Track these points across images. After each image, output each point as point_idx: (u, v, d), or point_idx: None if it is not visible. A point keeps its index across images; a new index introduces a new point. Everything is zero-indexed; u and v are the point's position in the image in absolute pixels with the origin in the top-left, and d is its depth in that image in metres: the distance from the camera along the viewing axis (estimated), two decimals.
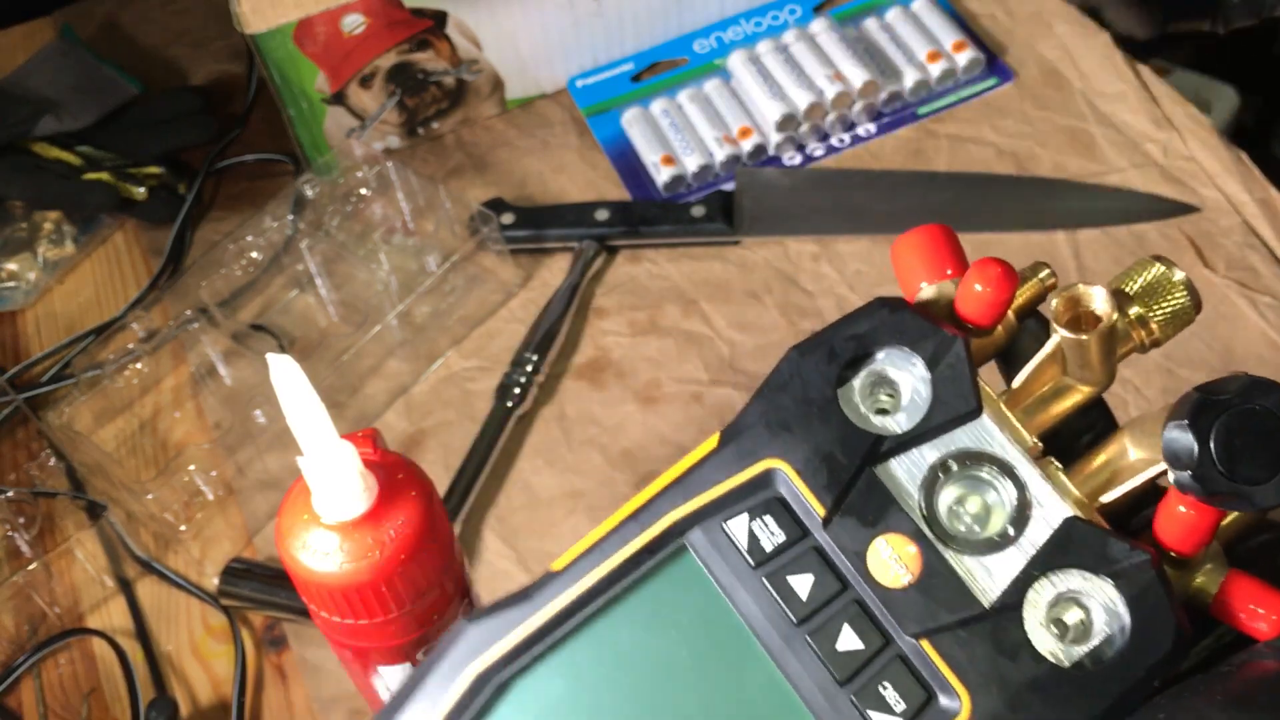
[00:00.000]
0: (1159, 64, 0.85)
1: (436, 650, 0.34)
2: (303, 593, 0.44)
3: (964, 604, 0.32)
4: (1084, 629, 0.31)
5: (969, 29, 0.82)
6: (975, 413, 0.33)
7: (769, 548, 0.34)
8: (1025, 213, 0.73)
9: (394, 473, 0.43)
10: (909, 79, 0.79)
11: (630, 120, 0.80)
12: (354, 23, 0.75)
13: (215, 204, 0.81)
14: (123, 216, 0.80)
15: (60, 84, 0.83)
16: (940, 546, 0.32)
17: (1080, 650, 0.31)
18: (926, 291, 0.36)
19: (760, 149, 0.78)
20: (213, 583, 0.62)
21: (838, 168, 0.78)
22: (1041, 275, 0.38)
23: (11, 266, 0.78)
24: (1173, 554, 0.33)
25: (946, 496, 0.33)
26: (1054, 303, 0.34)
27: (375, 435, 0.44)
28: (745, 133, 0.78)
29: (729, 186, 0.76)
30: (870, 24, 0.83)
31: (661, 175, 0.77)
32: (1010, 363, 0.38)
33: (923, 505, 0.33)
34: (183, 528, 0.65)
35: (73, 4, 0.94)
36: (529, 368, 0.68)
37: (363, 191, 0.75)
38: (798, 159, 0.78)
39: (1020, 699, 0.31)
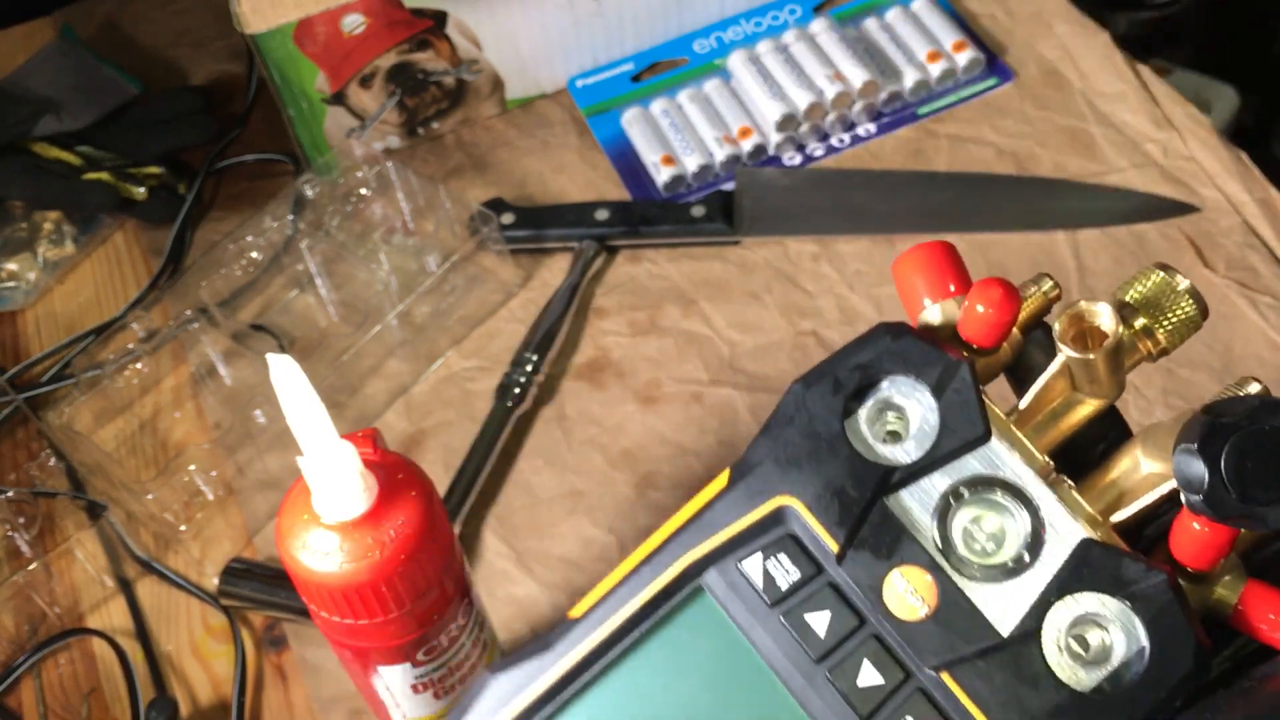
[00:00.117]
0: (1159, 64, 0.85)
1: (461, 704, 0.34)
2: (303, 593, 0.44)
3: (982, 634, 0.32)
4: (1103, 652, 0.31)
5: (969, 29, 0.82)
6: (984, 438, 0.33)
7: (784, 586, 0.34)
8: (1025, 213, 0.73)
9: (394, 473, 0.43)
10: (909, 79, 0.79)
11: (630, 120, 0.80)
12: (354, 23, 0.75)
13: (215, 204, 0.81)
14: (123, 216, 0.80)
15: (60, 84, 0.83)
16: (955, 576, 0.32)
17: (1100, 674, 0.31)
18: (930, 312, 0.36)
19: (760, 149, 0.78)
20: (213, 583, 0.62)
21: (838, 168, 0.78)
22: (1045, 288, 0.37)
23: (11, 266, 0.78)
24: (1189, 569, 0.33)
25: (960, 524, 0.33)
26: (1056, 325, 0.34)
27: (375, 435, 0.44)
28: (745, 133, 0.78)
29: (729, 186, 0.76)
30: (870, 24, 0.83)
31: (661, 175, 0.77)
32: (1019, 375, 0.38)
33: (936, 535, 0.33)
34: (183, 528, 0.65)
35: (73, 4, 0.94)
36: (529, 368, 0.68)
37: (363, 191, 0.75)
38: (798, 159, 0.78)
39: None
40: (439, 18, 0.77)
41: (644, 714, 0.34)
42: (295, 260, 0.73)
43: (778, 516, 0.34)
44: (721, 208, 0.74)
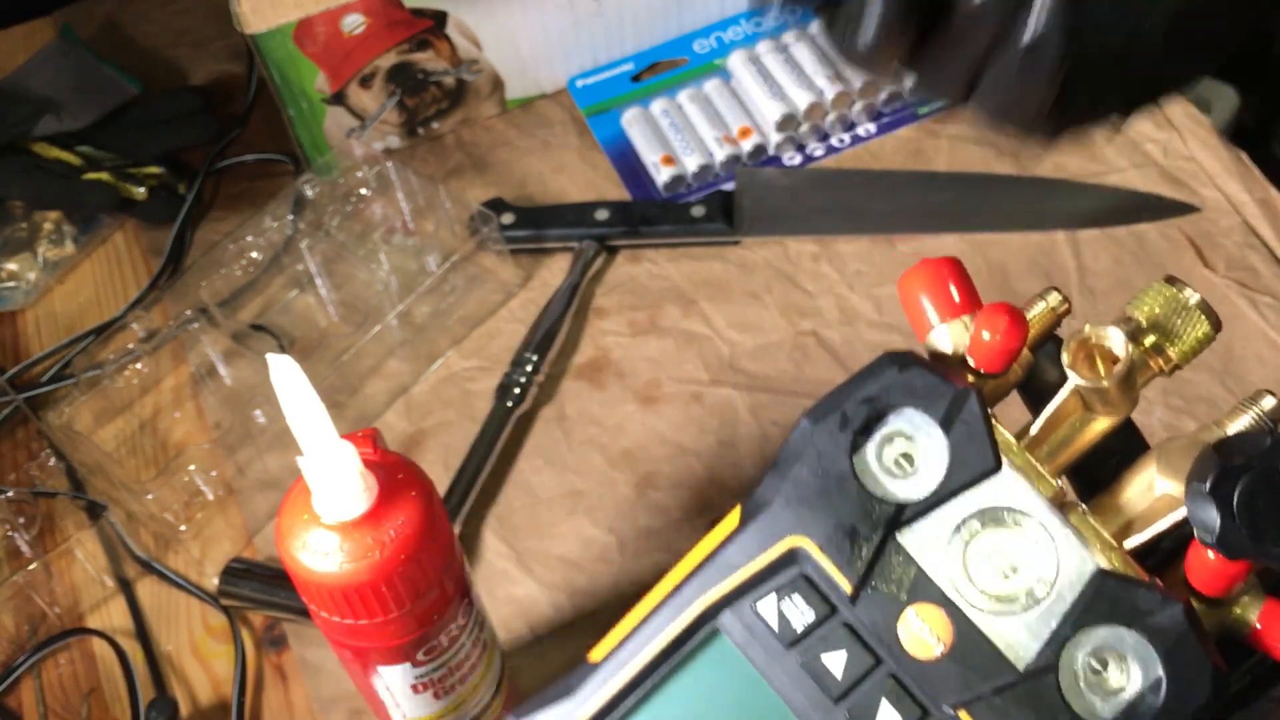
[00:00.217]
0: None
1: None
2: (303, 593, 0.44)
3: (999, 670, 0.32)
4: (1120, 684, 0.31)
5: None
6: (995, 469, 0.33)
7: (800, 628, 0.34)
8: (1025, 213, 0.73)
9: (394, 473, 0.43)
10: (909, 79, 0.79)
11: (630, 120, 0.80)
12: (354, 23, 0.75)
13: (215, 204, 0.81)
14: (123, 216, 0.80)
15: (60, 84, 0.83)
16: (970, 610, 0.32)
17: (1117, 707, 0.31)
18: (938, 335, 0.36)
19: (760, 149, 0.78)
20: (213, 583, 0.62)
21: (838, 168, 0.78)
22: (1053, 303, 0.37)
23: (11, 266, 0.78)
24: (1205, 595, 0.33)
25: (973, 558, 0.33)
26: (1065, 355, 0.34)
27: (375, 435, 0.44)
28: (745, 133, 0.78)
29: (729, 186, 0.76)
30: None
31: (661, 175, 0.77)
32: (1031, 391, 0.37)
33: (949, 570, 0.33)
34: (183, 528, 0.65)
35: (73, 4, 0.94)
36: (529, 368, 0.68)
37: (363, 191, 0.75)
38: (798, 159, 0.78)
39: None
40: (439, 18, 0.77)
41: None
42: (295, 260, 0.73)
43: (790, 557, 0.34)
44: (721, 208, 0.74)
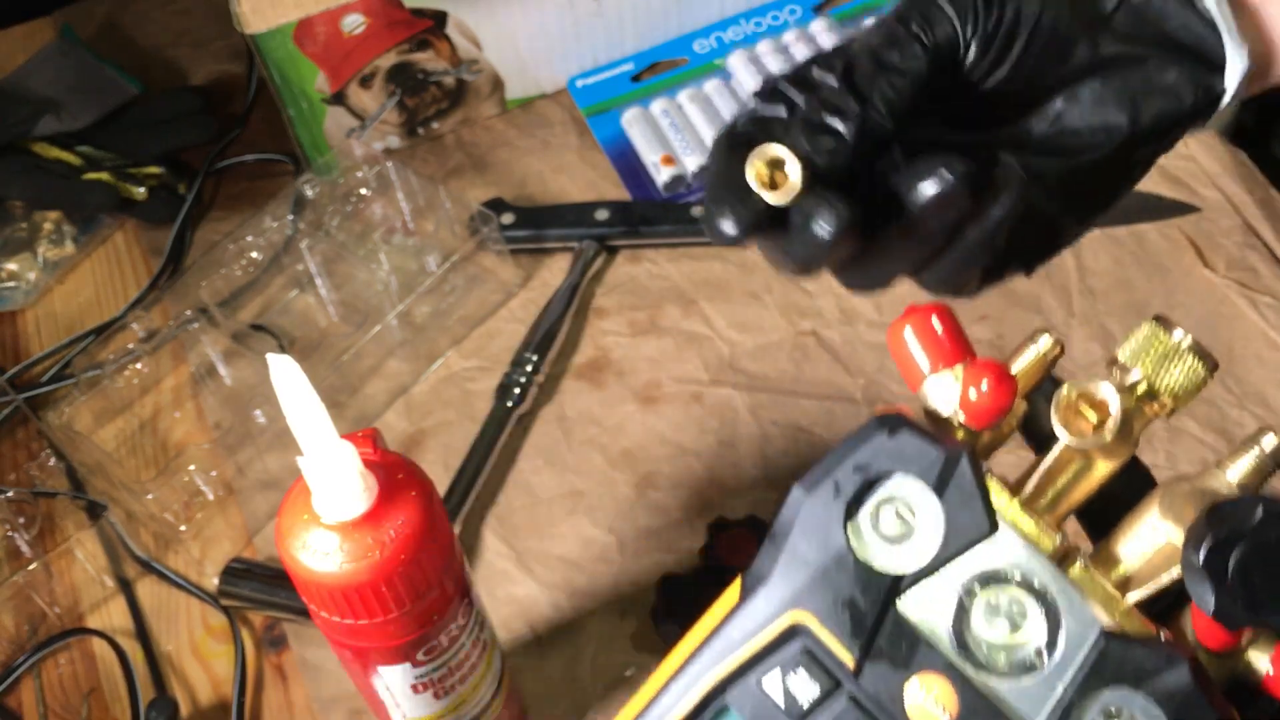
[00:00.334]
0: None
1: None
2: (303, 593, 0.44)
3: None
4: None
5: None
6: (990, 532, 0.32)
7: (805, 704, 0.33)
8: None
9: (394, 473, 0.43)
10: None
11: (630, 120, 0.80)
12: (354, 23, 0.75)
13: (215, 204, 0.81)
14: (123, 216, 0.80)
15: (60, 84, 0.83)
16: (974, 676, 0.32)
17: None
18: (930, 386, 0.35)
19: None
20: (213, 583, 0.62)
21: None
22: (1043, 349, 0.36)
23: (11, 266, 0.78)
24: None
25: (974, 623, 0.32)
26: (1055, 418, 0.33)
27: (375, 435, 0.44)
28: None
29: None
30: (870, 24, 0.83)
31: (661, 175, 0.77)
32: (1031, 431, 0.37)
33: (951, 637, 0.32)
34: (183, 528, 0.65)
35: (73, 4, 0.94)
36: (529, 368, 0.68)
37: (363, 191, 0.75)
38: None
39: None
40: (439, 18, 0.77)
41: None
42: (295, 260, 0.73)
43: (792, 631, 0.34)
44: None
